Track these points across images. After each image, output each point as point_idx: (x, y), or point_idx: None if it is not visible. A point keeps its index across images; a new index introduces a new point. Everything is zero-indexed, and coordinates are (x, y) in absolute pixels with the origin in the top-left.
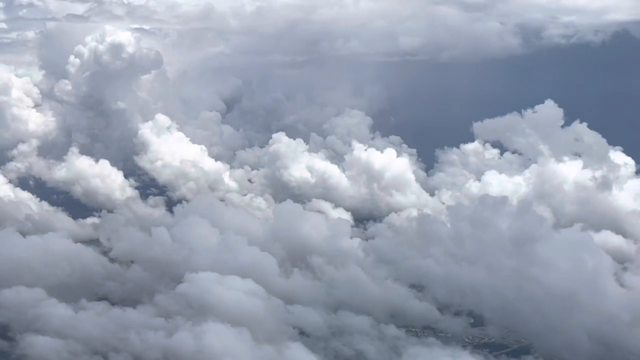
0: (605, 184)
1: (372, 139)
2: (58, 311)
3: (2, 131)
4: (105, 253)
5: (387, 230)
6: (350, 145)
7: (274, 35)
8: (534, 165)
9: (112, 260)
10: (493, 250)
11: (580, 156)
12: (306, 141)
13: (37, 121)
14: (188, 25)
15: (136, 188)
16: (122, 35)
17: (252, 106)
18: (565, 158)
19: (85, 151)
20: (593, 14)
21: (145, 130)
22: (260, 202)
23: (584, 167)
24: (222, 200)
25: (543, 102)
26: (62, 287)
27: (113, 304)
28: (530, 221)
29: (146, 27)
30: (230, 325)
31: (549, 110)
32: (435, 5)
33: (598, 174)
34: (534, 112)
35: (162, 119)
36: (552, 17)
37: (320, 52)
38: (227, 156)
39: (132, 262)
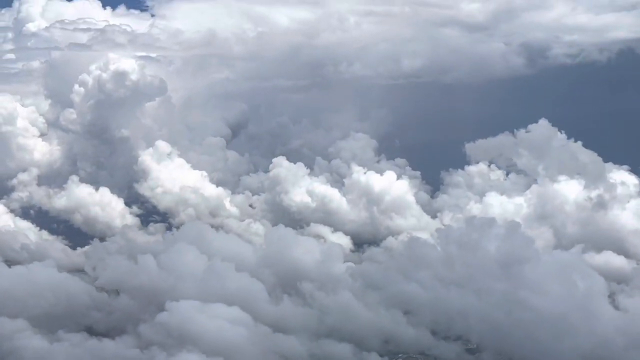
0: (601, 204)
1: (378, 162)
2: (33, 343)
3: (7, 161)
4: (92, 282)
5: (382, 255)
6: (358, 168)
7: (277, 60)
8: (534, 186)
9: (99, 289)
10: (482, 273)
11: (576, 176)
12: (311, 165)
13: (42, 150)
14: (191, 52)
15: (137, 215)
16: (126, 62)
17: (258, 131)
18: (566, 178)
19: (86, 179)
20: (595, 33)
21: (146, 157)
22: (258, 227)
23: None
24: (220, 226)
25: (552, 121)
26: (46, 317)
27: (97, 334)
28: (519, 243)
29: (149, 54)
30: (206, 356)
31: (543, 130)
32: (438, 27)
33: (594, 193)
34: (526, 132)
35: (162, 145)
36: (555, 36)
37: (323, 75)
38: (232, 182)
39: (118, 291)
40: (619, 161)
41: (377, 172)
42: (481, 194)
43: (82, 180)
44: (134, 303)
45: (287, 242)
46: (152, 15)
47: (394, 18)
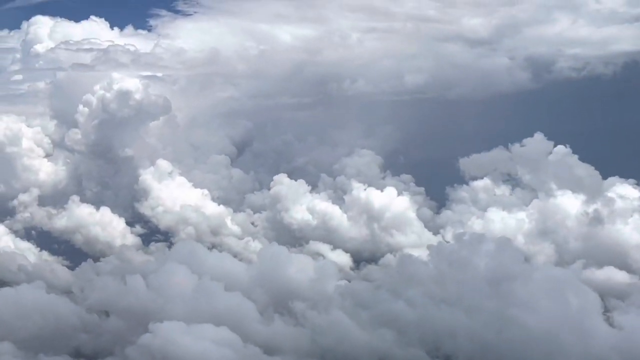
0: (597, 219)
1: (383, 178)
2: None
3: (12, 182)
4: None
5: (378, 272)
6: (358, 184)
7: (281, 77)
8: (535, 201)
9: (89, 311)
10: (472, 291)
11: (575, 190)
12: (316, 182)
13: (47, 171)
14: (194, 71)
15: (139, 235)
16: (130, 82)
17: (263, 149)
18: (567, 192)
19: (87, 199)
20: (597, 45)
21: (147, 177)
22: (257, 246)
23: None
24: (219, 245)
25: (556, 136)
26: (32, 340)
27: (84, 356)
28: (509, 259)
29: (153, 73)
30: None
31: (538, 144)
32: (441, 43)
33: (591, 208)
34: (521, 146)
35: (163, 164)
36: (557, 49)
37: (327, 93)
38: (237, 200)
39: (107, 312)
40: (625, 174)
41: (382, 188)
42: (485, 210)
43: (83, 200)
44: (122, 324)
45: (281, 261)
46: (159, 35)
47: (396, 34)
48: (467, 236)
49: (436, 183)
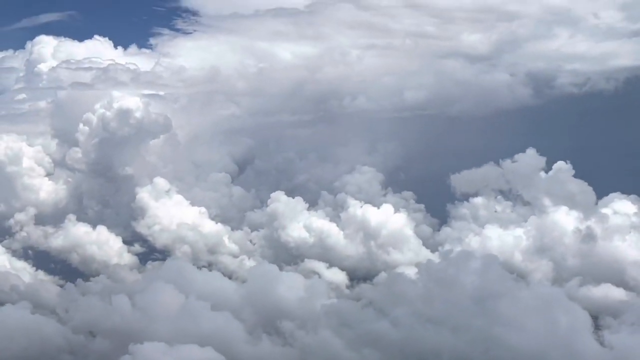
0: (590, 236)
1: (384, 195)
2: None
3: (13, 201)
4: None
5: (372, 290)
6: (354, 201)
7: (281, 95)
8: (532, 217)
9: (75, 331)
10: (458, 309)
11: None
12: (316, 199)
13: (47, 190)
14: (194, 89)
15: (137, 254)
16: (130, 100)
17: (265, 166)
18: (565, 209)
19: (84, 218)
20: (595, 60)
21: (144, 195)
22: (252, 264)
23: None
24: (214, 263)
25: (558, 152)
26: None
27: None
28: (496, 277)
29: (154, 92)
30: None
31: (529, 159)
32: (441, 59)
33: (583, 225)
34: (513, 162)
35: (161, 182)
36: (557, 65)
37: (328, 110)
38: (237, 218)
39: (93, 333)
40: (628, 190)
41: (383, 205)
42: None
43: (79, 219)
44: (108, 345)
45: (271, 279)
46: (160, 54)
47: (396, 51)
48: (454, 254)
49: (438, 200)
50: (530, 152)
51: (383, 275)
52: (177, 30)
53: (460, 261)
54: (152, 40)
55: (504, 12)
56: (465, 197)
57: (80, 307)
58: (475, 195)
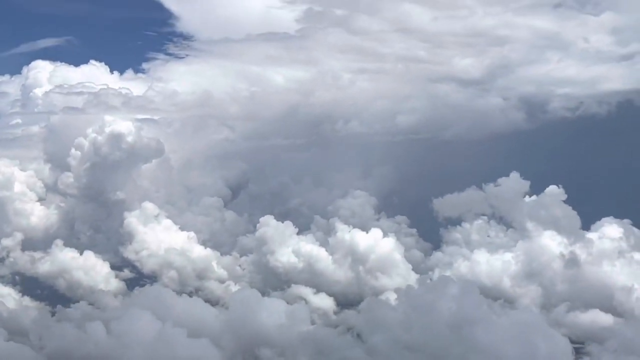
0: (573, 261)
1: (378, 219)
2: None
3: (4, 226)
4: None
5: (355, 317)
6: (342, 226)
7: (274, 119)
8: (520, 242)
9: (50, 358)
10: (436, 336)
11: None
12: (309, 224)
13: (39, 214)
14: (186, 113)
15: (126, 279)
16: (122, 125)
17: (259, 191)
18: (554, 233)
19: (71, 243)
20: (586, 84)
21: (132, 219)
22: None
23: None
24: (201, 289)
25: (554, 176)
26: None
27: None
28: (474, 303)
29: (145, 116)
30: None
31: (513, 183)
32: (434, 84)
33: (566, 250)
34: (495, 186)
35: (149, 207)
36: (549, 89)
37: (320, 134)
38: (229, 242)
39: None
40: (620, 215)
41: (372, 229)
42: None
43: (69, 244)
44: None
45: (252, 305)
46: (153, 78)
47: (388, 75)
48: (432, 279)
49: (431, 224)
50: (514, 175)
51: (368, 300)
52: (170, 54)
53: (438, 287)
54: (144, 65)
55: (494, 36)
56: (449, 221)
57: (55, 334)
58: (459, 219)
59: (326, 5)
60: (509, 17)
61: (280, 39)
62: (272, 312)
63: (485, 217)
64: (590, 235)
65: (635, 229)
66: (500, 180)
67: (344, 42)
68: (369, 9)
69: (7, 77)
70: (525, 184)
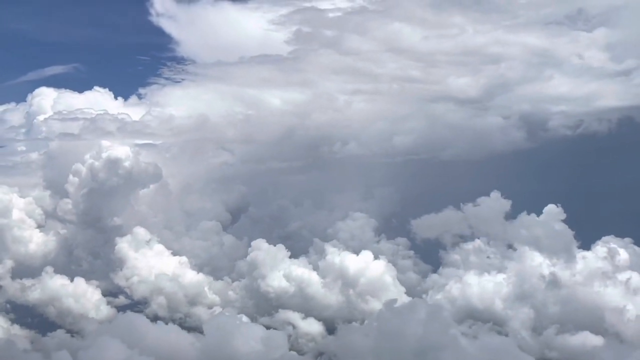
0: (554, 283)
1: (378, 242)
2: None
3: (2, 254)
4: None
5: (333, 342)
6: (332, 249)
7: (271, 141)
8: (511, 263)
9: None
10: None
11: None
12: (308, 247)
13: (37, 242)
14: (183, 137)
15: (118, 306)
16: (119, 150)
17: (259, 214)
18: (544, 254)
19: (64, 270)
20: (581, 102)
21: (123, 245)
22: None
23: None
24: (190, 315)
25: (554, 196)
26: None
27: None
28: (441, 327)
29: (142, 141)
30: None
31: (493, 203)
32: (430, 103)
33: (547, 271)
34: (474, 206)
35: (141, 232)
36: (548, 107)
37: (318, 156)
38: (228, 267)
39: None
40: (621, 234)
41: (376, 252)
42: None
43: (60, 271)
44: None
45: (229, 331)
46: (150, 103)
47: (383, 96)
48: (397, 304)
49: (432, 246)
50: (495, 195)
51: (354, 324)
52: (166, 79)
53: (407, 311)
54: (141, 90)
55: (486, 54)
56: (425, 241)
57: None
58: (436, 239)
59: (315, 25)
60: (499, 34)
61: (273, 61)
62: (248, 338)
63: (485, 238)
64: (587, 254)
65: (636, 247)
66: (480, 199)
67: (336, 63)
68: (358, 28)
69: (12, 104)
70: (506, 204)
